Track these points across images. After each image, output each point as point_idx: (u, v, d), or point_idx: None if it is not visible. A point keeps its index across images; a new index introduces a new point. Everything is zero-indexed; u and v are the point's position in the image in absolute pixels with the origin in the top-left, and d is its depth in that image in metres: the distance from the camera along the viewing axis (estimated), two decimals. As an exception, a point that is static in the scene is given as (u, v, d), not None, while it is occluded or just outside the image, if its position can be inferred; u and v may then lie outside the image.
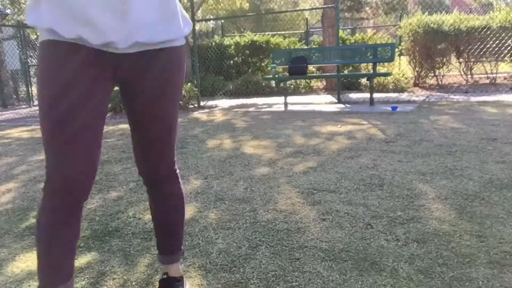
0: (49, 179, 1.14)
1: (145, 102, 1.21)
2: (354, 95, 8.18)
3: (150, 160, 1.32)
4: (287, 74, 7.22)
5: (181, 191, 1.42)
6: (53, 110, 1.07)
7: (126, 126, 5.90)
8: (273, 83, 9.87)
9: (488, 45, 8.32)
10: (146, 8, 1.09)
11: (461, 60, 9.17)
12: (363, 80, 9.25)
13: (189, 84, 7.95)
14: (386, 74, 7.44)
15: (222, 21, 17.51)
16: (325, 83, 9.99)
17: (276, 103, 7.84)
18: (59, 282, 1.17)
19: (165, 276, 1.47)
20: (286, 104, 7.23)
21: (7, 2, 14.60)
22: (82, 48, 1.08)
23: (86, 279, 1.74)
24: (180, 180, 1.42)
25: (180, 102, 7.37)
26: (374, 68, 6.94)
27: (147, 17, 1.09)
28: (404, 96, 7.76)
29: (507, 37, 8.15)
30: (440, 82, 9.18)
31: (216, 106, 7.89)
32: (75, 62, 1.07)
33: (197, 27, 16.52)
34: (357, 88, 9.34)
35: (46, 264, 1.17)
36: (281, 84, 8.65)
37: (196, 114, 6.84)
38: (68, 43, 1.08)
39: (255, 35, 11.31)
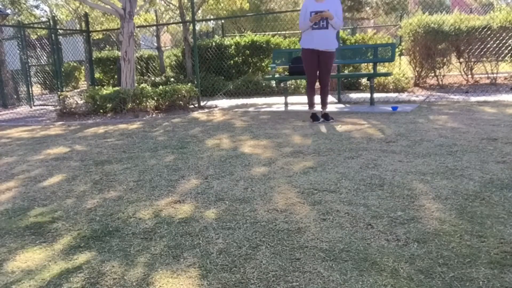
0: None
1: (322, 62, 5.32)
2: (354, 95, 8.18)
3: (322, 78, 5.36)
4: (287, 74, 7.21)
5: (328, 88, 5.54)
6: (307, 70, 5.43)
7: (126, 126, 5.90)
8: (273, 83, 9.86)
9: (488, 45, 8.32)
10: (325, 39, 5.16)
11: (461, 60, 9.17)
12: (363, 80, 9.25)
13: (189, 84, 7.95)
14: (386, 74, 7.44)
15: (222, 21, 17.50)
16: (325, 83, 9.98)
17: (276, 103, 7.85)
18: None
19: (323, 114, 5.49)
20: (286, 104, 7.23)
21: (8, 2, 14.60)
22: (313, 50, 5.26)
23: (86, 279, 1.74)
24: (327, 87, 5.44)
25: (181, 102, 7.41)
26: (374, 68, 6.94)
27: (325, 41, 5.16)
28: (404, 96, 7.75)
29: (507, 37, 8.14)
30: (440, 82, 9.17)
31: (216, 106, 7.89)
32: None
33: (197, 27, 16.50)
34: (357, 88, 9.34)
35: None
36: (281, 84, 8.65)
37: (196, 114, 6.84)
38: (309, 49, 5.27)
39: (255, 35, 11.30)
